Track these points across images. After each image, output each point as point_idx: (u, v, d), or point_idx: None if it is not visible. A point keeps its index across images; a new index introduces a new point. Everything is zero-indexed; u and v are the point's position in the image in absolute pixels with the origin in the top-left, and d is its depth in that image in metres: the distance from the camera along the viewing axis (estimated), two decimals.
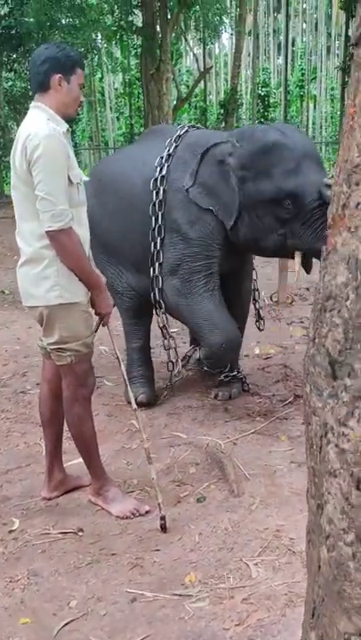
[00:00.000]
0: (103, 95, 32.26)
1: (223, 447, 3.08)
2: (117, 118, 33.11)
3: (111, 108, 32.60)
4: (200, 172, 3.15)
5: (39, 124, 2.22)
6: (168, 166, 3.22)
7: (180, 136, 3.31)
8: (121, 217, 3.42)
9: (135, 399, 2.82)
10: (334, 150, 31.66)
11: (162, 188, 3.20)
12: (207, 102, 26.98)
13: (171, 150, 3.26)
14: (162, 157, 3.24)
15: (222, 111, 22.02)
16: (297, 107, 34.01)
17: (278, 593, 2.05)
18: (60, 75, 2.30)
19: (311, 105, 36.66)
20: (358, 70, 0.72)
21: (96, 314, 2.51)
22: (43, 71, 2.29)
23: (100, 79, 32.53)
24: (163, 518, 2.42)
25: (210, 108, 28.43)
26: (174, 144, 3.28)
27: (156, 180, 3.22)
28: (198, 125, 3.73)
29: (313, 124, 37.81)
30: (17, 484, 2.85)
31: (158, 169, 3.22)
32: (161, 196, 3.21)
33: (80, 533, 2.45)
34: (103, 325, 2.56)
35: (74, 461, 2.89)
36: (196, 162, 3.16)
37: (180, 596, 2.07)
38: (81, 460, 2.66)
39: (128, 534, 2.44)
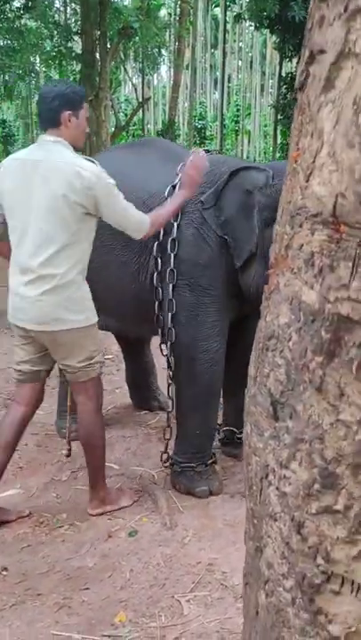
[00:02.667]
0: None
1: (156, 478, 3.04)
2: None
3: None
4: (223, 195, 2.74)
5: (80, 160, 2.39)
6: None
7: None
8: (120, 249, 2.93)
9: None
10: None
11: (175, 224, 2.77)
12: (145, 131, 27.33)
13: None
14: (173, 186, 2.80)
15: None
16: (232, 140, 35.07)
17: (210, 630, 2.01)
18: (69, 111, 2.41)
19: (246, 140, 37.92)
20: (301, 114, 0.73)
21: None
22: (53, 108, 2.39)
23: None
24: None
25: (148, 137, 28.78)
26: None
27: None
28: (212, 150, 3.21)
29: (247, 157, 39.00)
30: None
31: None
32: (175, 234, 2.77)
33: (4, 573, 2.33)
34: None
35: (4, 494, 2.78)
36: (223, 181, 2.74)
37: (109, 637, 1.99)
38: (10, 492, 2.61)
39: (55, 572, 2.33)
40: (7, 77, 14.30)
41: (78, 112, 2.44)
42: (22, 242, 2.40)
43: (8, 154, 29.55)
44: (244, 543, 0.93)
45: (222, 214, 2.74)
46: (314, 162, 0.70)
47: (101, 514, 2.68)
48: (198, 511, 2.75)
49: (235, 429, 3.24)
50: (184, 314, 2.80)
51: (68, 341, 2.47)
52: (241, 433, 3.10)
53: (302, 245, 0.72)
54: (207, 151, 2.94)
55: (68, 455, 2.95)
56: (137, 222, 2.43)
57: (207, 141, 31.95)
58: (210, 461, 2.94)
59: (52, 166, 2.34)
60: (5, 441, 2.58)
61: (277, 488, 0.76)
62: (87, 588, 2.23)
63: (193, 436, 2.89)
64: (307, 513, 0.72)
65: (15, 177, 2.40)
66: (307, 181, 0.71)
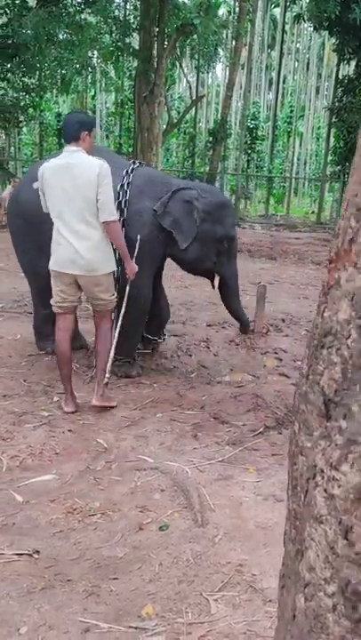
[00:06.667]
0: (95, 113, 32.48)
1: (190, 474, 3.02)
2: (107, 136, 33.34)
3: (101, 127, 32.83)
4: (169, 204, 4.26)
5: (97, 160, 3.53)
6: (127, 192, 4.24)
7: (133, 169, 4.34)
8: None
9: (45, 351, 4.66)
10: (316, 187, 32.26)
11: (125, 209, 4.20)
12: (197, 129, 27.37)
13: (130, 179, 4.27)
14: (122, 185, 4.20)
15: (211, 139, 22.32)
16: (283, 142, 34.70)
17: (237, 631, 1.99)
18: (86, 132, 3.59)
19: (297, 141, 37.49)
20: None
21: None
22: (76, 129, 3.57)
23: (93, 97, 32.77)
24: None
25: (199, 135, 28.81)
26: (131, 174, 4.29)
27: (119, 202, 4.14)
28: (141, 162, 4.69)
29: (298, 159, 38.64)
30: None
31: (120, 193, 4.18)
32: (125, 215, 4.19)
33: (36, 556, 2.35)
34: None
35: (39, 478, 2.83)
36: (168, 196, 4.26)
37: (135, 628, 1.99)
38: (46, 477, 2.92)
39: (86, 560, 2.35)
40: (65, 71, 14.50)
41: (90, 133, 3.63)
42: (66, 217, 3.52)
43: (62, 147, 30.04)
44: (283, 545, 0.91)
45: (170, 216, 4.25)
46: None
47: (104, 407, 3.75)
48: (230, 511, 2.72)
49: (149, 336, 4.81)
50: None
51: (105, 282, 3.70)
52: (153, 337, 4.85)
53: None
54: (133, 162, 4.45)
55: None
56: (111, 210, 3.56)
57: (258, 141, 31.69)
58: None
59: (82, 166, 3.48)
60: (67, 357, 3.77)
61: (325, 490, 0.74)
62: (116, 578, 2.24)
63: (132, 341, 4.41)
64: (355, 517, 0.69)
65: (54, 176, 3.52)
66: None
